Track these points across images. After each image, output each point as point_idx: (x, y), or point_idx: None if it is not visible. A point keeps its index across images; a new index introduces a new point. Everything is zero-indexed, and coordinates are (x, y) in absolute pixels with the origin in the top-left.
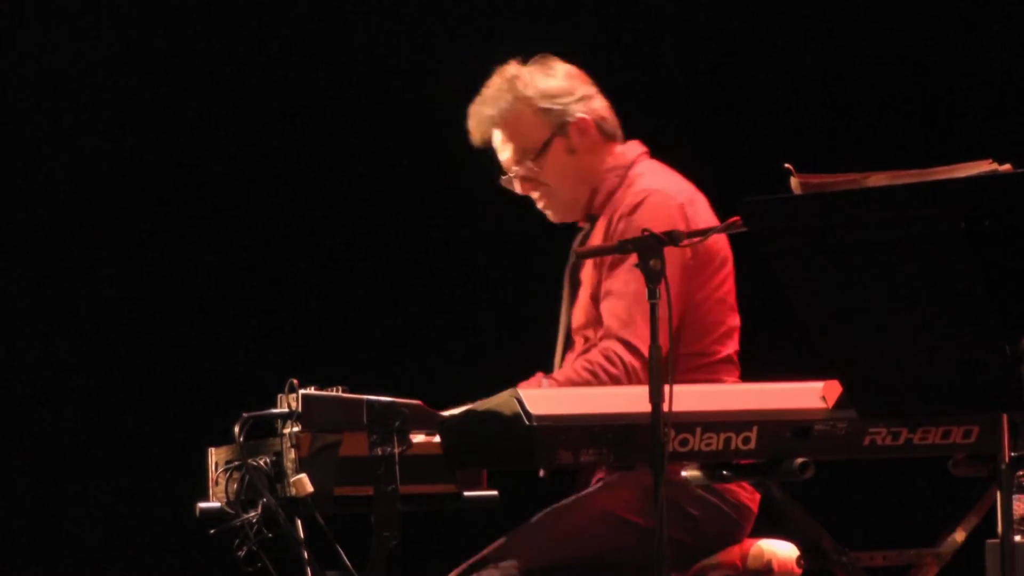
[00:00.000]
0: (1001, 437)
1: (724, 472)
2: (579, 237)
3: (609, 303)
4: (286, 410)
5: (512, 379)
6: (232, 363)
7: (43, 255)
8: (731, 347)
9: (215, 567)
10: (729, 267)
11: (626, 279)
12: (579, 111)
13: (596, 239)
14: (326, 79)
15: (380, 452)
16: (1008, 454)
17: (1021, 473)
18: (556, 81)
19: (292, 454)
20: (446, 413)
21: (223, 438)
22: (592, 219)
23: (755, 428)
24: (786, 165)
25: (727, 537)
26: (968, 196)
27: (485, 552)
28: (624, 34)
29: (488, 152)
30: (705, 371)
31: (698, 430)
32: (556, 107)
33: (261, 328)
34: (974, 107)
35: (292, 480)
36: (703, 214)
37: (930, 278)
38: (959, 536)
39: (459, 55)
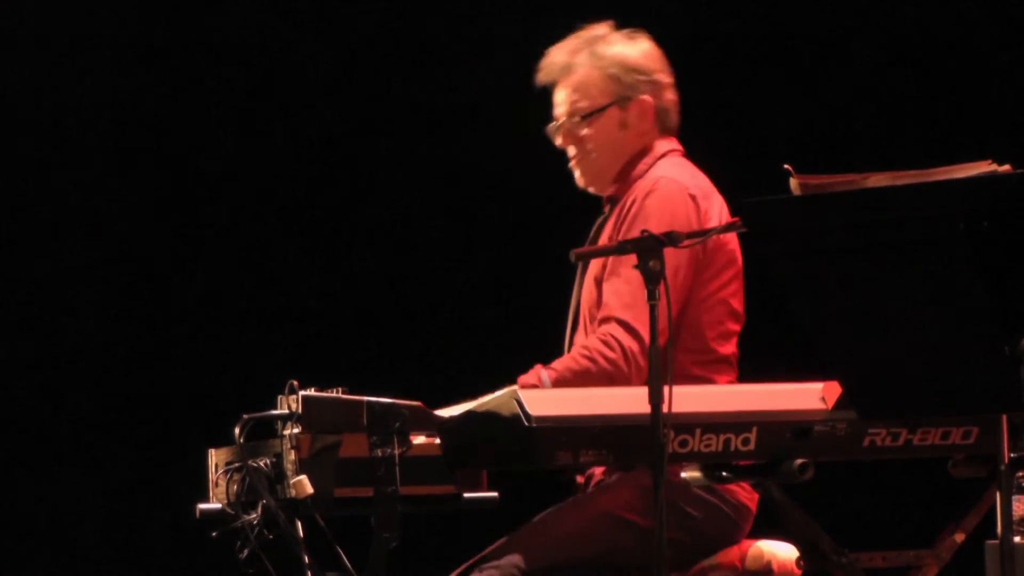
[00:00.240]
0: (1000, 438)
1: (724, 473)
2: (597, 222)
3: (614, 283)
4: (286, 411)
5: (511, 380)
6: (232, 364)
7: (43, 255)
8: (729, 348)
9: (215, 568)
10: (736, 269)
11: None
12: (646, 92)
13: (609, 227)
14: (326, 79)
15: (380, 453)
16: (1007, 455)
17: (1020, 474)
18: (635, 56)
19: (292, 455)
20: (442, 411)
21: (223, 439)
22: (613, 202)
23: (755, 429)
24: (786, 166)
25: (727, 537)
26: (968, 196)
27: (485, 552)
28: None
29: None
30: (700, 368)
31: (697, 431)
32: (626, 79)
33: (261, 329)
34: (974, 107)
35: (292, 481)
36: (717, 209)
37: (930, 279)
38: (959, 537)
39: (459, 55)
